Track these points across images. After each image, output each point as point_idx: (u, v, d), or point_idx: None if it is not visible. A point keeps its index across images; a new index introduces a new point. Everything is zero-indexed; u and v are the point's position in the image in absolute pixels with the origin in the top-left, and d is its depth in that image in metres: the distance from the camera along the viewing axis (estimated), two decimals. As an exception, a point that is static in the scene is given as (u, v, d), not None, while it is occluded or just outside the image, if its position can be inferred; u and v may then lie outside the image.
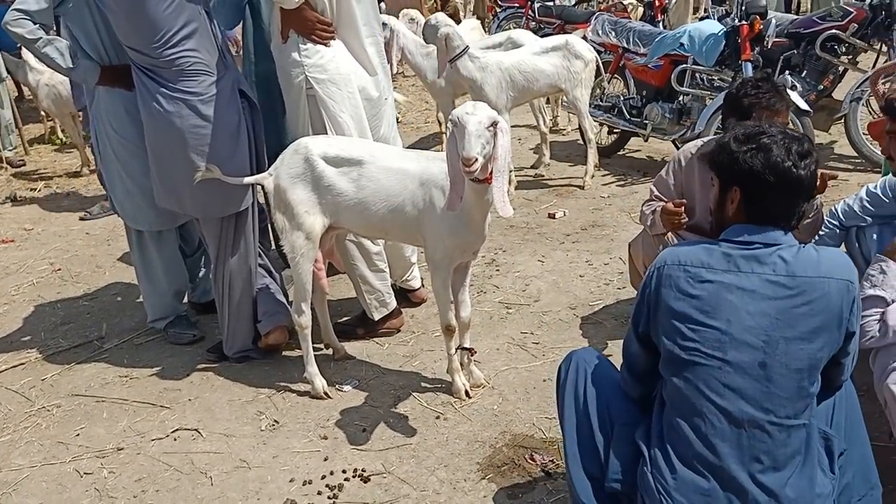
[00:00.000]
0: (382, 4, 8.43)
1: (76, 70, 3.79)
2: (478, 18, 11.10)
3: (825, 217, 3.37)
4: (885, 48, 6.01)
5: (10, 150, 8.48)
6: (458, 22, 7.97)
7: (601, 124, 6.97)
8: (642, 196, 4.56)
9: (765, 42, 5.82)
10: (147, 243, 4.16)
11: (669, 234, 3.52)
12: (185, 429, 3.46)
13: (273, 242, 4.42)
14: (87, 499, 3.05)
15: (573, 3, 10.60)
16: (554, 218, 5.68)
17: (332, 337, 3.92)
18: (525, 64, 5.92)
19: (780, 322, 1.98)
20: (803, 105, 5.13)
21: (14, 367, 4.14)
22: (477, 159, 2.75)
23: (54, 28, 3.94)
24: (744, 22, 5.78)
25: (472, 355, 3.56)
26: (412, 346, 4.01)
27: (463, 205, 3.00)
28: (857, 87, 5.83)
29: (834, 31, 5.87)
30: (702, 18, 8.48)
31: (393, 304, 4.07)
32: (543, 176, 6.70)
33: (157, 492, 3.06)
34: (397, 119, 5.67)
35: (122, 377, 3.94)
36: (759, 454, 1.98)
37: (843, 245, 3.33)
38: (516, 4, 10.22)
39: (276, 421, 3.45)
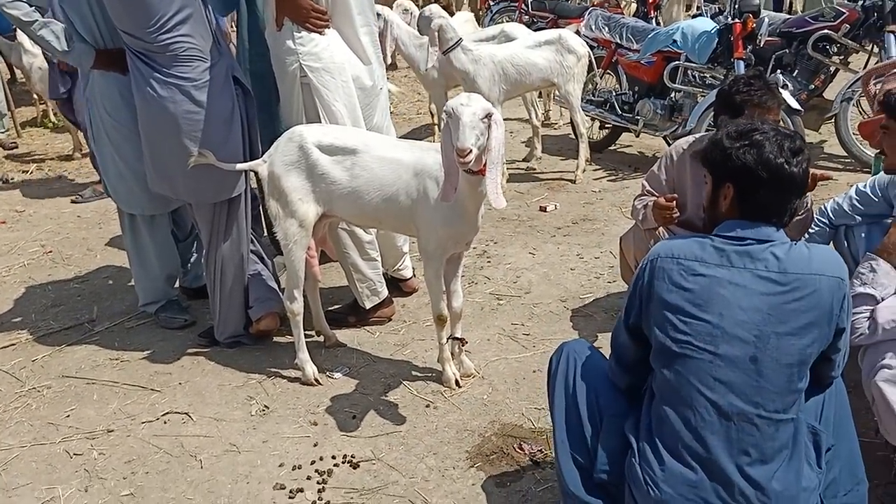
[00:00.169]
0: (377, -6, 8.41)
1: (71, 53, 3.77)
2: (471, 11, 11.10)
3: (815, 215, 3.40)
4: (876, 49, 6.05)
5: (2, 133, 8.47)
6: (451, 14, 7.97)
7: (593, 119, 7.01)
8: (633, 191, 4.59)
9: (757, 40, 5.85)
10: (139, 227, 4.16)
11: (661, 228, 3.56)
12: (176, 412, 3.46)
13: (266, 229, 4.44)
14: (76, 479, 3.06)
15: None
16: (545, 211, 5.71)
17: (324, 324, 3.93)
18: (518, 57, 5.95)
19: (772, 317, 2.00)
20: (794, 104, 5.16)
21: (4, 347, 4.13)
22: (472, 150, 2.76)
23: (50, 11, 3.94)
24: (737, 20, 5.82)
25: (462, 345, 3.58)
26: (403, 334, 4.03)
27: (457, 196, 3.00)
28: (848, 88, 5.88)
29: (826, 31, 5.91)
30: (695, 16, 8.53)
31: (384, 293, 4.09)
32: (535, 169, 6.73)
33: (146, 473, 3.07)
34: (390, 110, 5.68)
35: (112, 360, 3.95)
36: (748, 447, 2.00)
37: (832, 243, 3.35)
38: (510, -2, 10.23)
39: (266, 406, 3.46)
